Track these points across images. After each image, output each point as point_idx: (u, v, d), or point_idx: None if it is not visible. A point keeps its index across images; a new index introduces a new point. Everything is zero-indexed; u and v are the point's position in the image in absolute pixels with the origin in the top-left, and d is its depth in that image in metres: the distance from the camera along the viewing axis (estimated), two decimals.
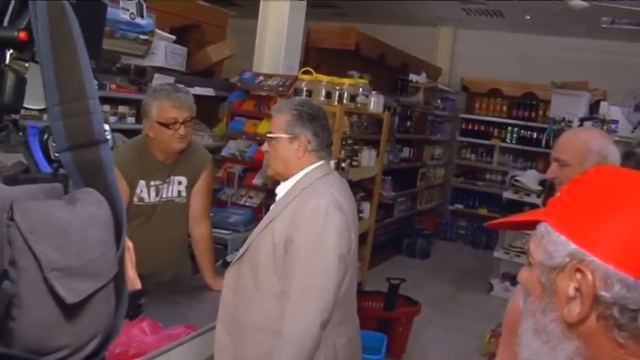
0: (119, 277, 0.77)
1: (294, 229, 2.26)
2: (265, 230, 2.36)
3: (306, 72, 4.95)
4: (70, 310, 0.68)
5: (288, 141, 2.41)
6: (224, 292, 2.49)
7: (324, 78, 4.84)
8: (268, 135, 2.46)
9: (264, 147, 2.52)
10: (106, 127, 0.82)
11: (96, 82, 2.88)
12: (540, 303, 0.97)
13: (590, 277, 0.88)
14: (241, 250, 2.45)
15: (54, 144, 0.80)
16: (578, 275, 0.89)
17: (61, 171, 0.79)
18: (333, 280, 2.26)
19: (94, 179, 0.77)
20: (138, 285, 0.89)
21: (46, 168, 0.84)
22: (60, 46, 0.76)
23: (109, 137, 0.81)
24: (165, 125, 2.98)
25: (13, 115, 0.88)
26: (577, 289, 0.90)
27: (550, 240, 0.95)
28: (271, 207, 2.45)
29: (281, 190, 2.45)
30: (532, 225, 1.01)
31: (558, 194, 1.01)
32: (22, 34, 0.82)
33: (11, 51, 0.84)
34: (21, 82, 0.86)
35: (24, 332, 0.66)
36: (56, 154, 0.80)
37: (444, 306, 6.67)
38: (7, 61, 0.84)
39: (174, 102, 2.98)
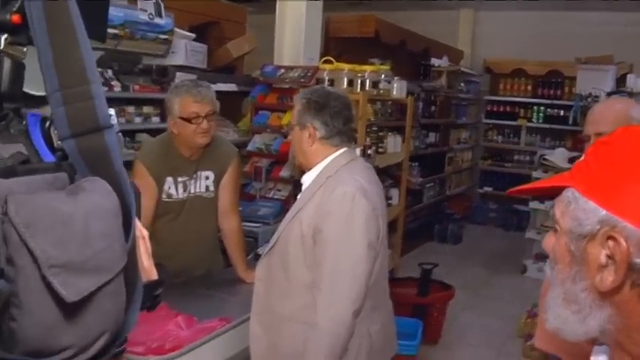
0: (130, 269, 0.74)
1: (321, 219, 2.25)
2: (293, 221, 2.36)
3: (326, 61, 4.95)
4: (72, 309, 0.65)
5: (299, 130, 2.43)
6: (256, 284, 2.49)
7: (345, 66, 4.83)
8: (287, 125, 2.49)
9: (289, 137, 2.54)
10: (111, 111, 0.79)
11: (119, 84, 2.89)
12: (570, 271, 0.94)
13: (624, 243, 0.85)
14: (271, 243, 2.46)
15: (56, 132, 0.77)
16: (611, 243, 0.87)
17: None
18: (363, 268, 2.25)
19: (100, 167, 0.74)
20: (154, 275, 0.86)
21: (48, 157, 0.80)
22: (56, 27, 0.72)
23: (114, 122, 0.78)
24: (188, 120, 2.99)
25: (14, 104, 0.83)
26: (609, 257, 0.87)
27: (578, 206, 0.91)
28: (298, 197, 2.44)
29: (306, 179, 2.45)
30: (558, 191, 0.98)
31: (584, 157, 0.98)
32: (15, 17, 0.78)
33: (5, 35, 0.79)
34: (18, 68, 0.81)
35: (26, 333, 0.63)
36: (59, 143, 0.77)
37: (478, 290, 6.63)
38: (2, 47, 0.79)
39: (195, 97, 3.00)
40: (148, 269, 0.85)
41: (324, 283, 2.23)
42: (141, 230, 0.85)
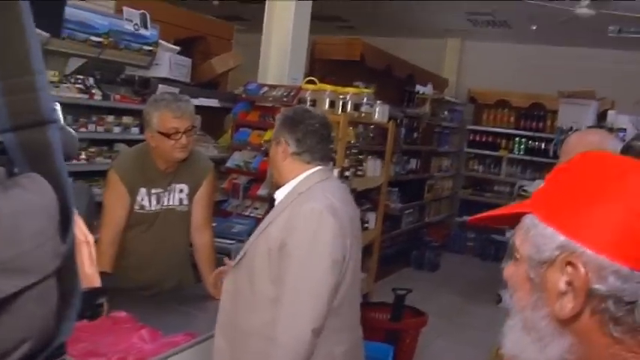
0: (67, 274, 0.69)
1: (288, 234, 2.24)
2: (261, 235, 2.34)
3: (309, 82, 4.95)
4: None
5: (275, 145, 2.45)
6: (223, 297, 2.46)
7: (328, 87, 4.84)
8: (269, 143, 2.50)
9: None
10: (56, 106, 0.74)
11: (100, 93, 2.84)
12: (530, 299, 0.92)
13: (582, 269, 0.83)
14: (239, 256, 2.43)
15: None
16: (570, 269, 0.85)
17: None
18: (326, 286, 2.22)
19: (40, 163, 0.70)
20: (96, 283, 0.82)
21: None
22: None
23: (58, 117, 0.73)
24: (167, 135, 2.96)
25: None
26: (569, 283, 0.85)
27: (537, 233, 0.90)
28: (269, 212, 2.43)
29: (279, 194, 2.43)
30: (516, 218, 0.96)
31: (544, 184, 0.96)
32: None
33: None
34: None
35: None
36: None
37: (453, 318, 6.61)
38: None
39: (175, 112, 2.96)
40: (90, 276, 0.81)
41: (286, 299, 2.21)
42: (86, 235, 0.81)
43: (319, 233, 2.22)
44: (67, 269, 0.69)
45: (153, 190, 3.11)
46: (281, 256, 2.24)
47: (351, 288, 2.40)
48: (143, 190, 3.09)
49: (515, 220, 0.97)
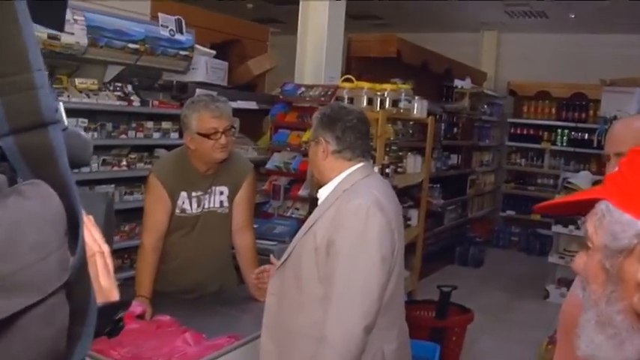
0: (78, 288, 0.64)
1: (335, 231, 2.21)
2: (307, 234, 2.32)
3: (346, 80, 4.92)
4: None
5: (314, 145, 2.44)
6: (268, 298, 2.45)
7: (365, 85, 4.80)
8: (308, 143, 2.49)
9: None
10: (59, 105, 0.69)
11: (138, 99, 2.83)
12: (604, 291, 0.86)
13: None
14: (284, 256, 2.41)
15: None
16: None
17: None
18: (376, 283, 2.19)
19: (43, 168, 0.65)
20: (114, 296, 0.76)
21: None
22: None
23: (61, 117, 0.68)
24: (206, 136, 2.96)
25: None
26: None
27: (613, 219, 0.85)
28: (314, 211, 2.41)
29: (322, 193, 2.42)
30: (589, 205, 0.91)
31: (618, 168, 0.90)
32: None
33: None
34: None
35: None
36: None
37: (499, 314, 6.52)
38: None
39: (213, 112, 2.97)
40: (107, 289, 0.75)
41: (336, 297, 2.18)
42: (100, 245, 0.76)
43: (367, 229, 2.19)
44: (79, 283, 0.64)
45: (193, 193, 3.11)
46: (329, 254, 2.22)
47: (398, 284, 2.38)
48: (184, 194, 3.09)
49: (583, 208, 0.92)
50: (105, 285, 0.75)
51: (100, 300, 0.70)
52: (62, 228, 0.62)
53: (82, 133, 0.88)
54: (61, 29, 0.85)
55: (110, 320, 0.75)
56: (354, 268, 2.18)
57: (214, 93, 4.44)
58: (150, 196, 3.10)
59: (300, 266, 2.31)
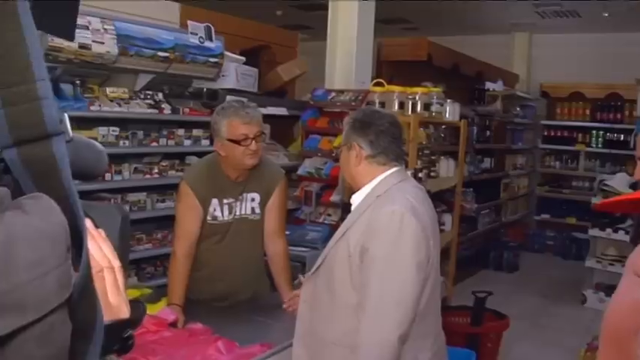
0: (83, 305, 0.62)
1: (369, 238, 2.17)
2: (340, 241, 2.28)
3: (377, 84, 4.88)
4: None
5: (346, 150, 2.39)
6: (300, 306, 2.41)
7: (396, 88, 4.76)
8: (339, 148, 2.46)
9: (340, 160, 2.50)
10: (64, 116, 0.67)
11: (169, 107, 2.82)
12: None
13: None
14: (317, 263, 2.37)
15: None
16: None
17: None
18: (412, 291, 2.14)
19: (46, 181, 0.63)
20: (123, 314, 0.74)
21: None
22: None
23: (65, 129, 0.66)
24: (236, 142, 2.94)
25: None
26: None
27: None
28: (347, 217, 2.36)
29: (356, 199, 2.37)
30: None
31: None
32: None
33: None
34: None
35: None
36: None
37: (536, 320, 6.40)
38: None
39: (244, 118, 2.94)
40: (116, 306, 0.73)
41: (369, 305, 2.13)
42: (110, 260, 0.74)
43: (402, 236, 2.14)
44: (83, 300, 0.62)
45: (225, 200, 3.09)
46: (363, 261, 2.17)
47: (433, 291, 2.32)
48: (215, 201, 3.07)
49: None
50: (114, 302, 0.73)
51: (108, 317, 0.68)
52: (64, 243, 0.59)
53: (97, 144, 0.87)
54: (71, 38, 0.83)
55: (119, 338, 0.72)
56: (389, 276, 2.13)
57: (244, 100, 4.45)
58: (181, 204, 3.09)
59: (333, 274, 2.27)
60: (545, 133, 10.18)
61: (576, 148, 9.88)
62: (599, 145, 9.68)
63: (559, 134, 10.06)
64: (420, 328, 2.22)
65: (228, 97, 4.57)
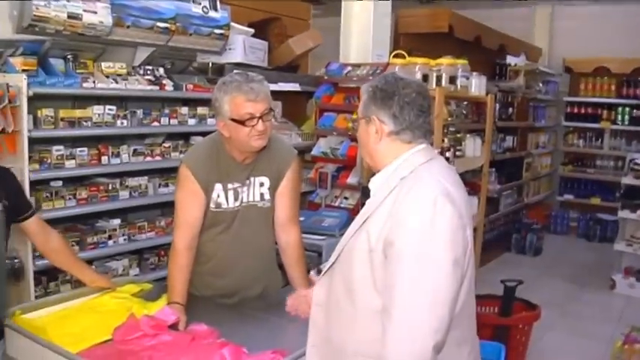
0: None
1: (394, 229, 1.78)
2: (359, 233, 1.90)
3: (397, 56, 4.52)
4: None
5: (365, 125, 1.99)
6: (313, 310, 2.06)
7: (419, 60, 4.41)
8: (352, 120, 2.06)
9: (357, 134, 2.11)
10: None
11: (171, 83, 2.60)
12: None
13: None
14: (331, 259, 2.01)
15: None
16: None
17: None
18: (448, 291, 1.76)
19: None
20: None
21: None
22: None
23: None
24: (241, 122, 2.59)
25: None
26: None
27: None
28: (366, 204, 1.99)
29: (375, 182, 2.00)
30: None
31: None
32: None
33: None
34: None
35: None
36: None
37: (564, 307, 6.07)
38: None
39: (248, 94, 2.58)
40: None
41: (397, 310, 1.75)
42: None
43: (435, 226, 1.76)
44: None
45: (230, 186, 2.75)
46: (387, 257, 1.79)
47: (470, 289, 1.94)
48: (219, 186, 2.73)
49: None
50: None
51: None
52: None
53: None
54: None
55: None
56: (420, 275, 1.74)
57: (249, 73, 4.12)
58: (181, 190, 2.76)
59: (352, 272, 1.90)
60: (569, 110, 9.80)
61: (601, 126, 9.50)
62: (625, 123, 9.30)
63: (583, 111, 9.68)
64: (455, 333, 1.85)
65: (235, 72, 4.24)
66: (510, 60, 8.17)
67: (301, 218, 3.99)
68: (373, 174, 2.04)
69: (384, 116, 1.93)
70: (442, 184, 1.85)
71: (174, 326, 2.48)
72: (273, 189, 2.83)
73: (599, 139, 9.67)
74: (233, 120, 2.60)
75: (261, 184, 2.80)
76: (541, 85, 9.20)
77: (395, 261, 1.77)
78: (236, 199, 2.76)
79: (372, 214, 1.89)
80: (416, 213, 1.78)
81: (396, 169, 1.92)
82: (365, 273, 1.86)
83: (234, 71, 2.81)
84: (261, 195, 2.81)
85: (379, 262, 1.82)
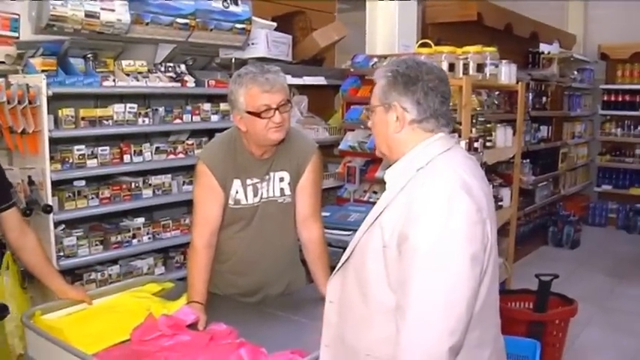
0: None
1: (408, 223, 1.68)
2: (372, 228, 1.81)
3: (423, 45, 4.41)
4: None
5: (384, 112, 1.88)
6: (327, 308, 1.97)
7: (445, 49, 4.26)
8: (366, 107, 1.94)
9: (369, 123, 2.00)
10: None
11: (193, 79, 2.54)
12: None
13: None
14: (345, 255, 1.92)
15: None
16: None
17: None
18: (465, 289, 1.66)
19: None
20: None
21: None
22: None
23: None
24: (257, 114, 2.52)
25: None
26: None
27: None
28: (380, 198, 1.89)
29: (390, 174, 1.90)
30: None
31: None
32: None
33: None
34: None
35: None
36: None
37: (603, 302, 5.88)
38: None
39: (263, 85, 2.51)
40: None
41: (412, 308, 1.66)
42: None
43: (452, 219, 1.65)
44: None
45: (248, 181, 2.68)
46: (402, 253, 1.69)
47: (491, 287, 1.83)
48: (237, 182, 2.67)
49: None
50: None
51: None
52: None
53: None
54: None
55: None
56: (436, 271, 1.65)
57: (265, 65, 4.05)
58: (199, 187, 2.69)
59: (365, 268, 1.81)
60: (605, 98, 9.56)
61: (639, 114, 9.23)
62: None
63: (620, 99, 9.43)
64: (475, 334, 1.75)
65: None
66: (543, 48, 7.96)
67: (327, 213, 3.92)
68: (389, 165, 1.95)
69: (407, 103, 1.83)
70: (460, 176, 1.74)
71: (193, 326, 2.43)
72: (293, 184, 2.75)
73: (638, 128, 9.39)
74: (249, 112, 2.53)
75: (281, 179, 2.73)
76: (576, 73, 8.98)
77: (409, 257, 1.68)
78: (255, 195, 2.70)
79: (386, 208, 1.80)
80: (431, 206, 1.68)
81: (413, 159, 1.83)
82: (378, 270, 1.77)
83: (249, 63, 2.75)
84: (281, 190, 2.74)
85: (393, 259, 1.73)
